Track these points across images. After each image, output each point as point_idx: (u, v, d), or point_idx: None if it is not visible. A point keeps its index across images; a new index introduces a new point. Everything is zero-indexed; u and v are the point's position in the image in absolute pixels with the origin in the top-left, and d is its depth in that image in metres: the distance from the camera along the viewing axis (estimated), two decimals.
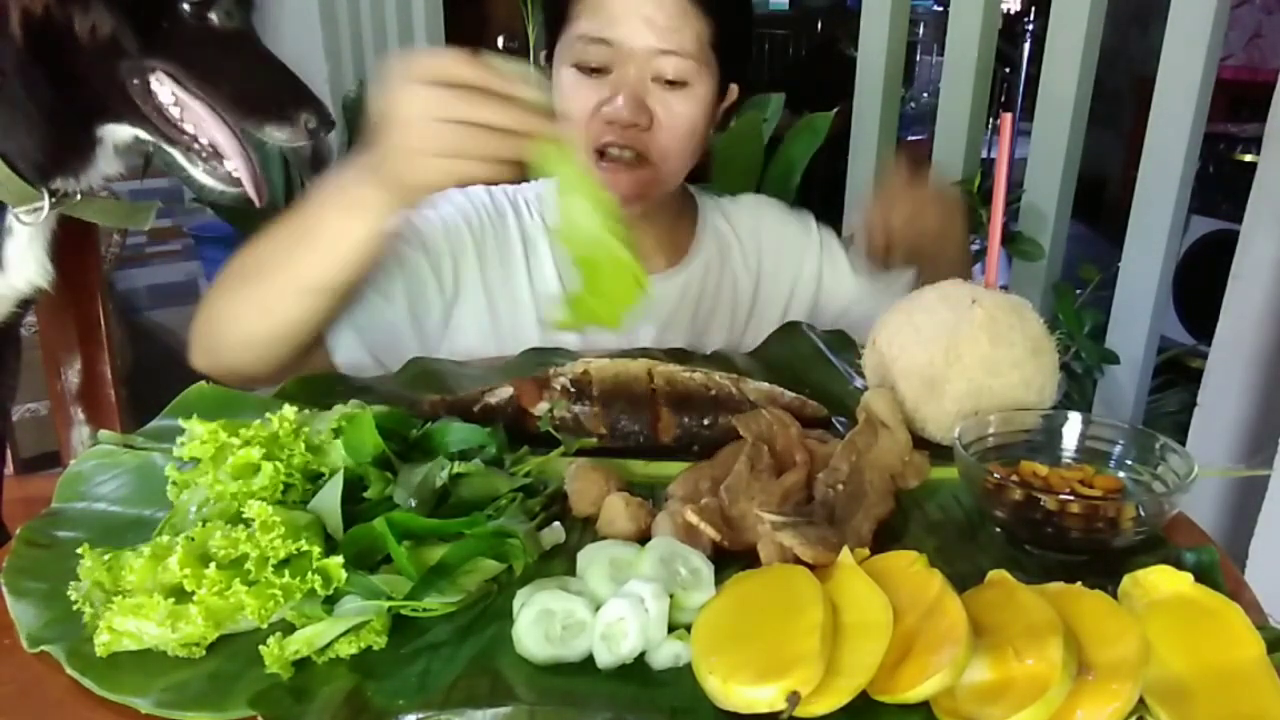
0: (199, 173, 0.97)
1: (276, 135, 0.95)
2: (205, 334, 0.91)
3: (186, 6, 0.90)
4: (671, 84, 1.00)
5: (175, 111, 0.94)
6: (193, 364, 0.92)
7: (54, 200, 0.95)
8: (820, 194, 2.76)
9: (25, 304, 1.06)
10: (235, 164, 0.96)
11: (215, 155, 0.96)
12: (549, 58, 1.08)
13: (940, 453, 0.75)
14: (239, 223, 2.93)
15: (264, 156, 3.03)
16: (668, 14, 0.98)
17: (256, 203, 0.98)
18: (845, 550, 0.58)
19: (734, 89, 1.10)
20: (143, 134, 0.97)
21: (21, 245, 0.98)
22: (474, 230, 1.09)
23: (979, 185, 1.77)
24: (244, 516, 0.57)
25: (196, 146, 0.95)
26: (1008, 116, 0.80)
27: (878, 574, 0.56)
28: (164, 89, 0.92)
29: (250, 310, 0.86)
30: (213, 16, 0.92)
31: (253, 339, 0.88)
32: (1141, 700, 0.48)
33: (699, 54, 1.00)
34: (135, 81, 0.92)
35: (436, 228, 1.07)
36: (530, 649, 0.53)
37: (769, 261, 1.20)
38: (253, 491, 0.61)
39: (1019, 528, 0.66)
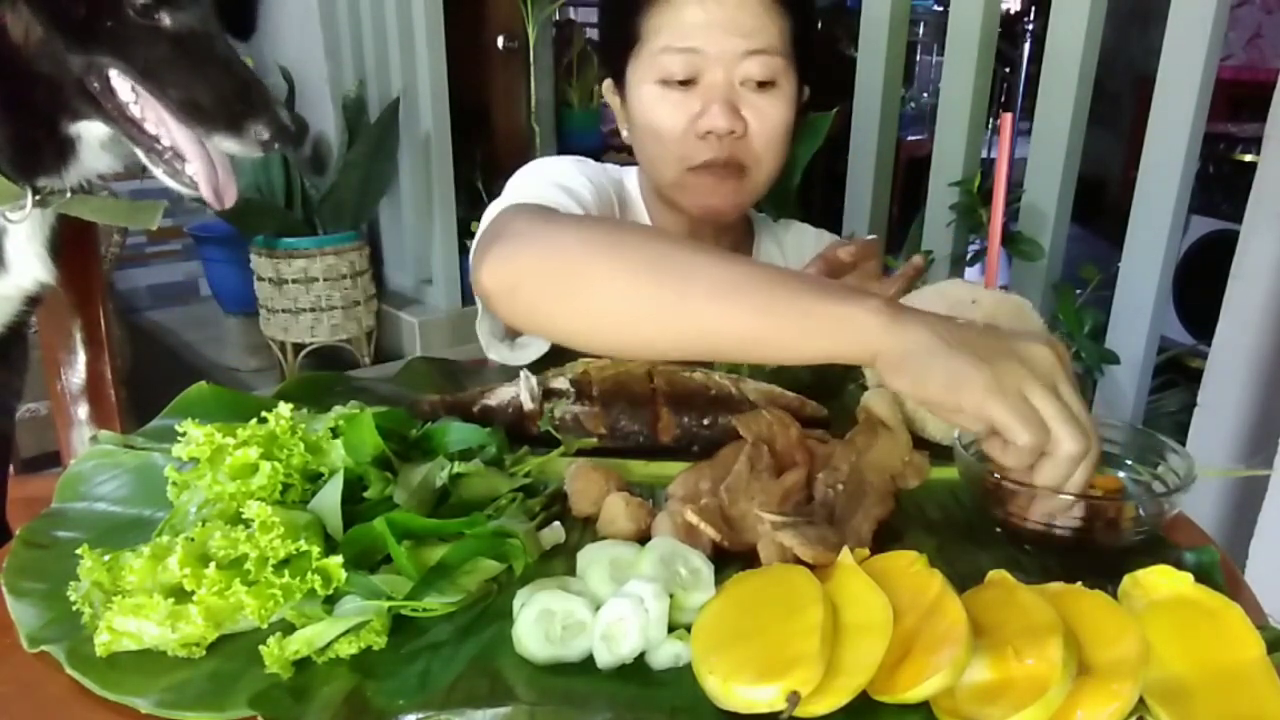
0: (160, 174, 0.92)
1: (226, 146, 0.90)
2: (542, 274, 0.69)
3: (135, 5, 0.85)
4: (761, 86, 0.97)
5: (136, 111, 0.90)
6: (479, 279, 0.71)
7: (38, 198, 0.92)
8: (820, 194, 2.76)
9: (33, 302, 1.05)
10: (195, 167, 0.91)
11: (177, 157, 0.91)
12: (617, 84, 1.04)
13: (940, 453, 0.75)
14: (239, 223, 2.94)
15: (264, 157, 3.04)
16: (752, 12, 0.95)
17: (215, 208, 0.93)
18: (845, 550, 0.58)
19: (805, 90, 1.06)
20: (111, 129, 0.93)
21: (20, 244, 0.97)
22: (607, 207, 1.06)
23: (979, 185, 1.78)
24: (243, 517, 0.57)
25: (158, 147, 0.91)
26: (1008, 116, 0.80)
27: (878, 574, 0.56)
28: (124, 86, 0.88)
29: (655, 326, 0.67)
30: (163, 16, 0.87)
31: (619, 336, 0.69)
32: (1141, 700, 0.48)
33: (785, 51, 0.97)
34: (94, 81, 0.88)
35: (591, 196, 1.00)
36: (530, 649, 0.53)
37: None
38: (251, 492, 0.61)
39: (1019, 528, 0.66)
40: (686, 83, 0.97)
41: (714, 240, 1.10)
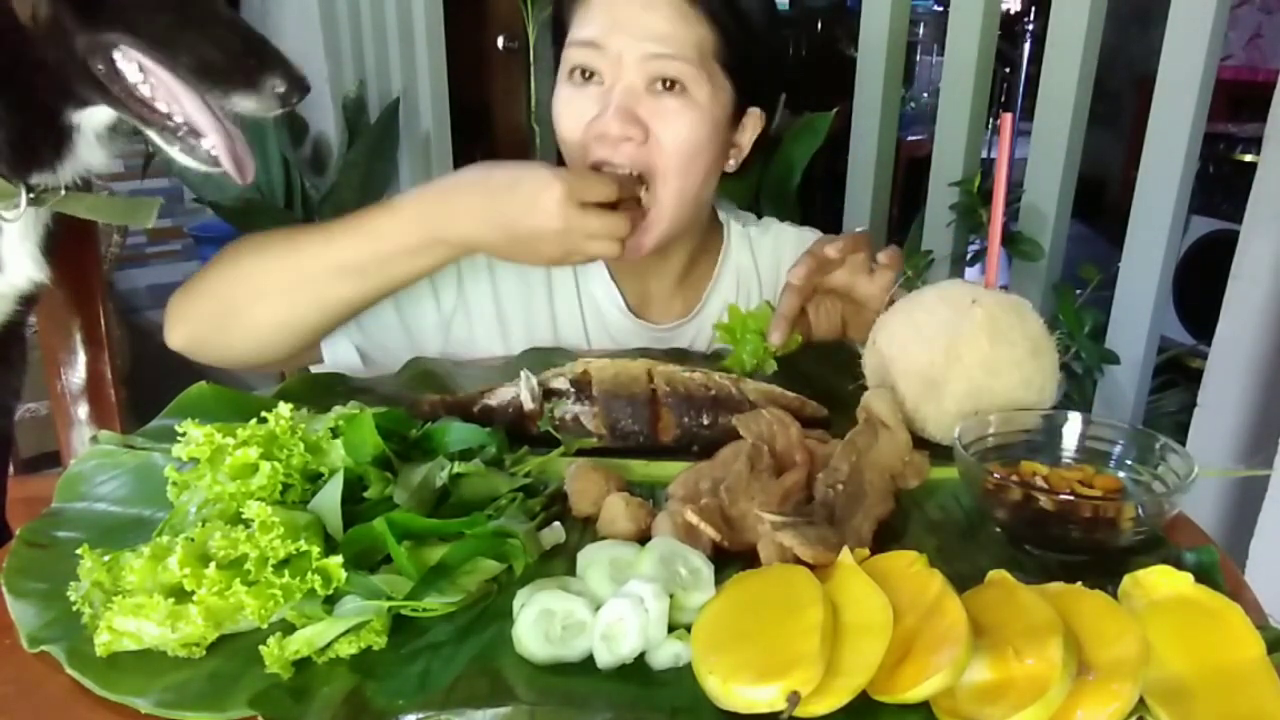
0: (176, 153, 0.90)
1: (244, 105, 0.87)
2: (206, 313, 0.94)
3: None
4: (667, 90, 0.93)
5: (145, 90, 0.87)
6: (168, 341, 0.96)
7: (32, 196, 0.91)
8: (820, 194, 2.76)
9: (28, 302, 1.04)
10: (212, 140, 0.88)
11: (192, 133, 0.89)
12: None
13: (940, 453, 0.75)
14: (239, 223, 2.94)
15: (264, 157, 3.04)
16: (662, 15, 0.91)
17: (238, 181, 0.91)
18: (845, 550, 0.58)
19: (756, 114, 1.02)
20: (118, 114, 0.91)
21: (14, 243, 0.95)
22: None
23: (979, 185, 1.77)
24: (243, 517, 0.58)
25: (171, 125, 0.88)
26: (1008, 116, 0.80)
27: (878, 574, 0.56)
28: (130, 66, 0.86)
29: (278, 302, 0.92)
30: None
31: (268, 327, 0.93)
32: (1141, 700, 0.48)
33: (699, 61, 0.93)
34: (99, 64, 0.86)
35: None
36: (530, 649, 0.53)
37: None
38: (251, 492, 0.61)
39: (1019, 528, 0.66)
40: (593, 80, 0.95)
41: (664, 263, 1.07)
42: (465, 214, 0.89)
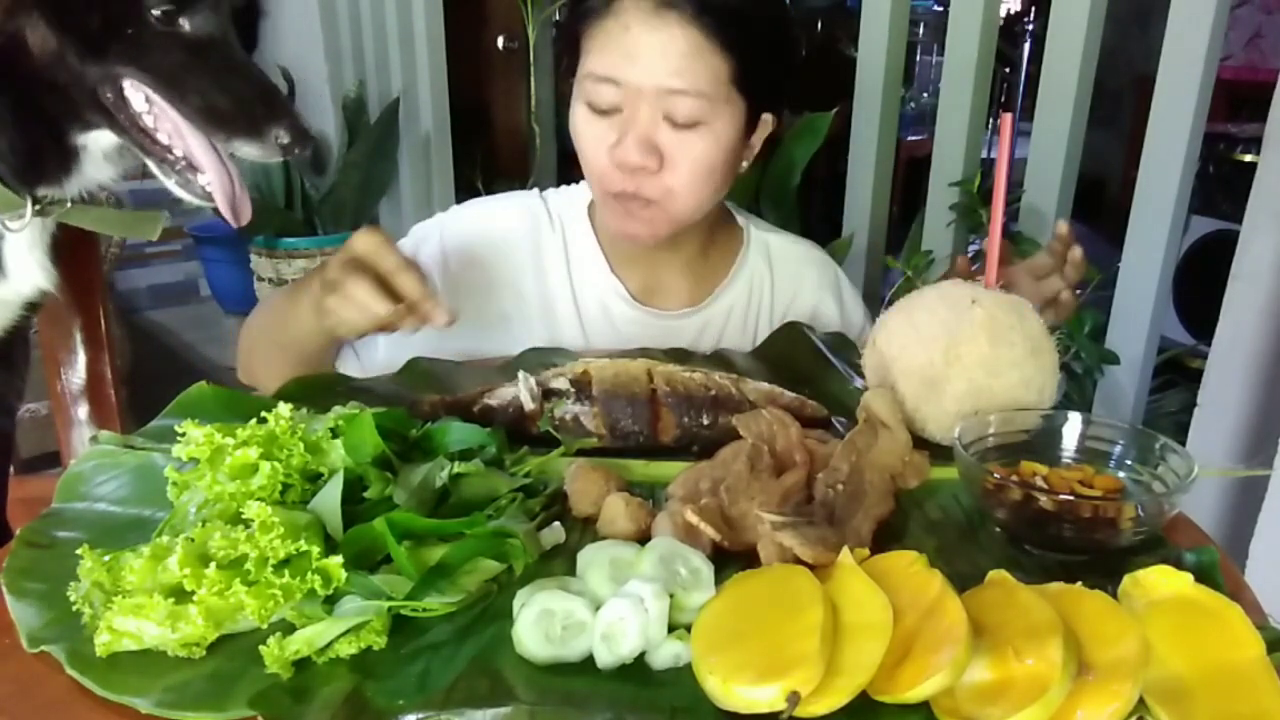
0: (172, 184, 0.91)
1: (246, 150, 0.89)
2: (245, 374, 1.08)
3: (155, 12, 0.85)
4: (684, 125, 0.95)
5: (149, 120, 0.89)
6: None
7: (38, 207, 0.92)
8: (820, 194, 2.76)
9: (33, 307, 1.05)
10: (208, 178, 0.90)
11: (190, 167, 0.91)
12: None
13: (940, 453, 0.75)
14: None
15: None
16: (679, 51, 0.92)
17: (233, 223, 0.93)
18: (845, 550, 0.58)
19: (768, 119, 1.03)
20: (120, 140, 0.92)
21: (21, 250, 0.96)
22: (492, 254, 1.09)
23: (979, 185, 1.78)
24: (243, 517, 0.58)
25: (170, 158, 0.90)
26: (1008, 116, 0.80)
27: (878, 574, 0.56)
28: (138, 96, 0.88)
29: (270, 366, 1.01)
30: (183, 23, 0.86)
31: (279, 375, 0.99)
32: (1141, 700, 0.48)
33: (715, 92, 0.94)
34: (108, 92, 0.87)
35: (433, 265, 1.07)
36: (530, 649, 0.53)
37: (794, 316, 1.14)
38: (251, 492, 0.61)
39: (1019, 528, 0.66)
40: (611, 110, 0.96)
41: (673, 249, 1.09)
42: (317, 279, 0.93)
